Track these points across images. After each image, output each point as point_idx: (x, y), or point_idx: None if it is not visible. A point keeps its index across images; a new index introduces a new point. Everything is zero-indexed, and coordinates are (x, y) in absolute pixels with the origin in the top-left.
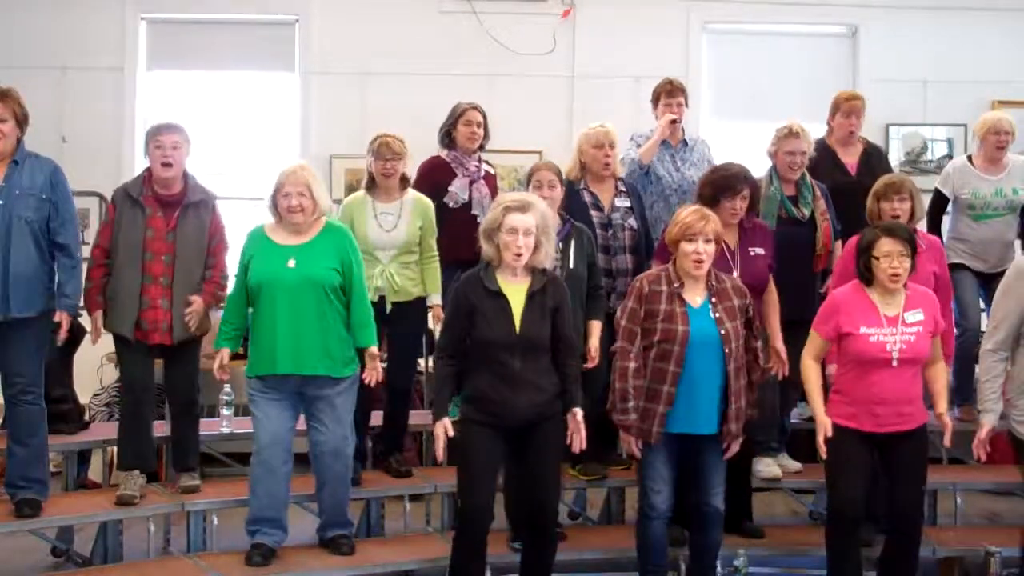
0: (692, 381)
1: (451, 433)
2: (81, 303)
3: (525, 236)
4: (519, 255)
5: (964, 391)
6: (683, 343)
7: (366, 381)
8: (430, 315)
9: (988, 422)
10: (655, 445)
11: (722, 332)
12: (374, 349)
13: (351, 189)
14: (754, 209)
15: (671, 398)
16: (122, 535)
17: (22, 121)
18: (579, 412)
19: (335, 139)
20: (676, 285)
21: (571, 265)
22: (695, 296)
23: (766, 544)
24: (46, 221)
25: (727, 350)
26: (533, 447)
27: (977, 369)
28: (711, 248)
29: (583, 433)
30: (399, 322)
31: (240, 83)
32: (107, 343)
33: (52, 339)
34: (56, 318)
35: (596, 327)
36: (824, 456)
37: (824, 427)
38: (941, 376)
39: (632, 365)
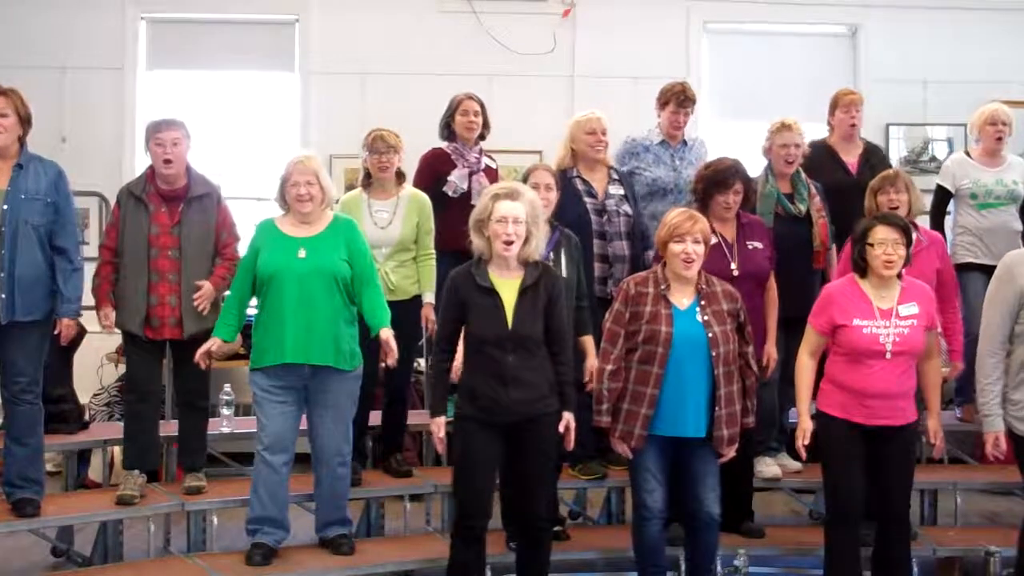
0: (679, 383)
1: (441, 433)
2: (81, 305)
3: (515, 224)
4: (509, 243)
5: (966, 391)
6: (666, 345)
7: (388, 363)
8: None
9: (997, 428)
10: (642, 447)
11: (709, 335)
12: (387, 333)
13: (351, 189)
14: (748, 204)
15: (653, 400)
16: (122, 535)
17: (25, 121)
18: (568, 416)
19: (335, 139)
20: (663, 287)
21: (563, 274)
22: (683, 298)
23: (766, 544)
24: (51, 225)
25: (714, 353)
26: (526, 449)
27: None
28: (700, 249)
29: (571, 436)
30: (396, 322)
31: (240, 83)
32: (106, 339)
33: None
34: (56, 328)
35: (589, 345)
36: (804, 457)
37: (804, 433)
38: (935, 378)
39: (609, 367)
